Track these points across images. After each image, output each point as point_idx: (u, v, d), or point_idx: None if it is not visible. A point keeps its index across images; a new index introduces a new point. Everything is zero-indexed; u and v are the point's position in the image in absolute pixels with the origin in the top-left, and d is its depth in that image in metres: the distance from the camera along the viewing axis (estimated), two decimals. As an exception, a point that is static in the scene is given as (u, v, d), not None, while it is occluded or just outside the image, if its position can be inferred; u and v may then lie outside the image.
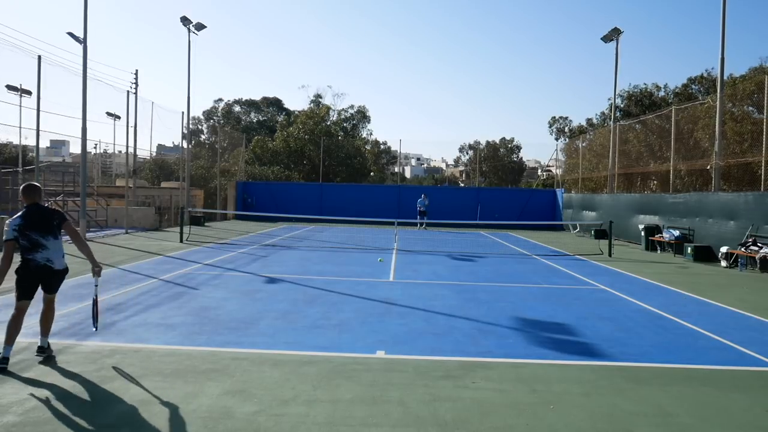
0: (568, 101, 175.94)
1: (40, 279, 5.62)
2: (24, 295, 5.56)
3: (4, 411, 4.31)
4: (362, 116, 57.22)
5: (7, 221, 5.64)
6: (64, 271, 5.77)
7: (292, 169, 48.40)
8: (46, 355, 5.68)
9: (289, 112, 63.36)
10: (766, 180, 17.31)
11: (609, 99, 52.34)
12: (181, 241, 18.47)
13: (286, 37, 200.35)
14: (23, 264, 5.54)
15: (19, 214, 5.58)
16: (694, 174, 25.08)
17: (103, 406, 4.48)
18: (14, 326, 5.48)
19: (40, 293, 5.73)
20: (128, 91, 26.17)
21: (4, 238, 5.51)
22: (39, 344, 5.75)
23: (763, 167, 17.61)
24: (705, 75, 38.17)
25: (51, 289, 5.78)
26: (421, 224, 27.25)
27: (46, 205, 5.97)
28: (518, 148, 67.61)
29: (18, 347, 5.97)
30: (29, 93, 32.23)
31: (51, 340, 6.27)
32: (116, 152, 48.68)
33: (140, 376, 5.19)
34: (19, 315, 5.52)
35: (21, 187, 5.78)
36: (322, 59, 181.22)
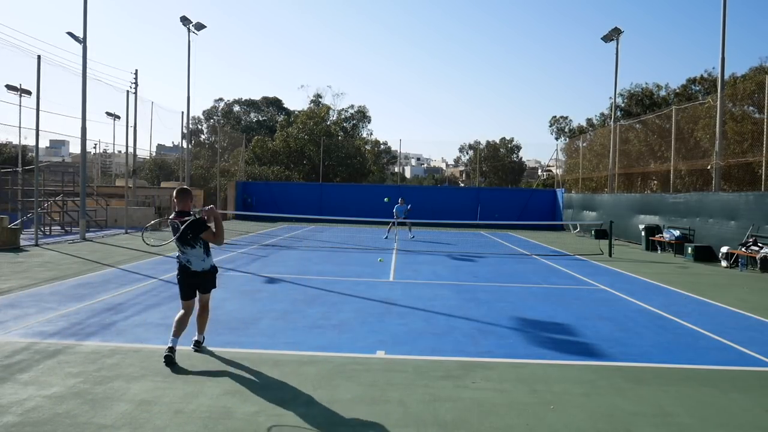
0: (568, 101, 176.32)
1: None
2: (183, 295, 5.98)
3: (4, 411, 4.31)
4: (362, 116, 57.17)
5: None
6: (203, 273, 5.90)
7: (292, 169, 48.38)
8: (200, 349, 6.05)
9: (289, 112, 63.31)
10: (766, 180, 17.30)
11: (609, 98, 52.39)
12: (181, 241, 18.44)
13: (286, 37, 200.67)
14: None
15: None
16: (694, 174, 25.07)
17: (103, 406, 4.48)
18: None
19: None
20: (128, 91, 26.15)
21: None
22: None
23: (763, 167, 17.59)
24: (705, 75, 38.18)
25: (203, 289, 6.05)
26: (408, 228, 22.90)
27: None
28: (518, 148, 67.58)
29: (17, 347, 5.99)
30: (29, 93, 32.26)
31: (50, 340, 6.29)
32: (116, 152, 48.73)
33: (140, 376, 5.19)
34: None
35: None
36: (322, 59, 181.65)
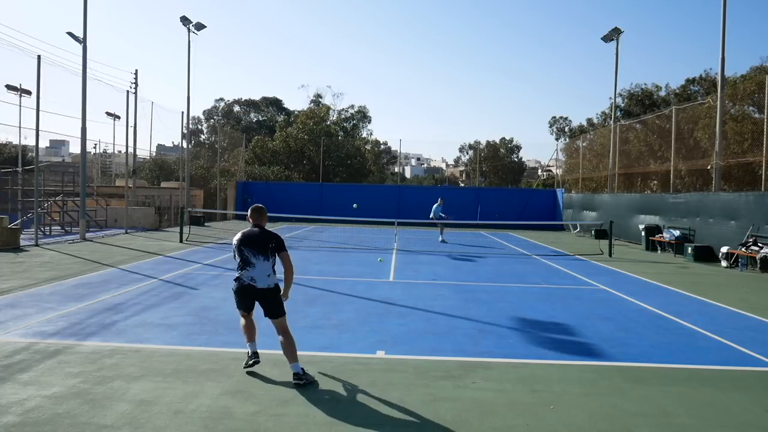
0: (568, 101, 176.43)
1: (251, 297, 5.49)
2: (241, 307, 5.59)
3: (4, 411, 4.31)
4: (362, 116, 57.21)
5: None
6: (268, 290, 5.38)
7: (292, 169, 48.39)
8: (303, 381, 5.13)
9: (289, 112, 63.36)
10: (766, 180, 17.29)
11: (609, 98, 52.42)
12: (181, 241, 18.47)
13: (286, 37, 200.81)
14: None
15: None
16: (694, 174, 25.07)
17: (103, 406, 4.48)
18: (246, 327, 5.62)
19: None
20: (128, 91, 26.15)
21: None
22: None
23: (763, 167, 17.59)
24: (703, 75, 38.21)
25: (269, 313, 5.45)
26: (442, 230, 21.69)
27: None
28: (518, 148, 67.72)
29: (17, 347, 5.99)
30: (29, 93, 32.20)
31: (50, 340, 6.29)
32: (116, 152, 48.72)
33: (140, 376, 5.19)
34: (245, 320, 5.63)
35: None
36: (322, 59, 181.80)
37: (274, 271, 5.42)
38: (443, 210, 20.95)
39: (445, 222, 21.30)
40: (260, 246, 5.37)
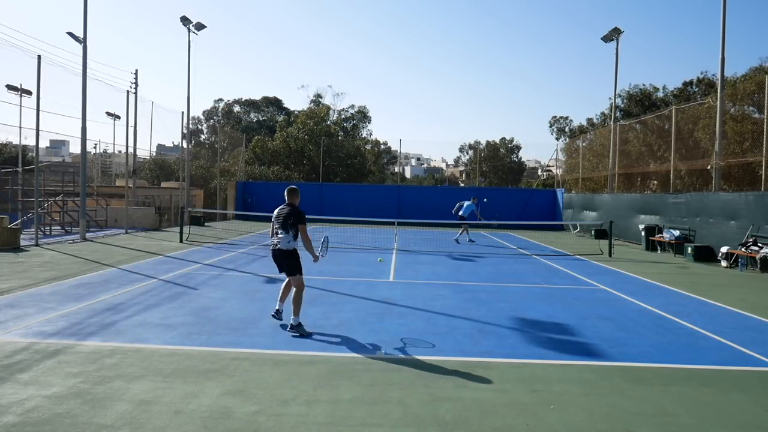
0: (568, 101, 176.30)
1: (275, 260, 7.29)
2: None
3: (4, 411, 4.31)
4: (362, 116, 57.21)
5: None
6: (287, 252, 7.06)
7: (292, 169, 48.38)
8: (297, 334, 6.85)
9: (289, 112, 63.35)
10: (766, 180, 17.30)
11: (609, 99, 52.44)
12: (181, 241, 18.47)
13: (286, 37, 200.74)
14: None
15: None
16: (694, 174, 25.07)
17: (103, 406, 4.48)
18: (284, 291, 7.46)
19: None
20: (128, 91, 26.15)
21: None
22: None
23: (763, 167, 17.59)
24: (700, 77, 38.23)
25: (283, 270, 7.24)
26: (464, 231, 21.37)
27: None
28: (518, 148, 67.76)
29: (17, 347, 6.00)
30: (29, 93, 32.22)
31: (50, 340, 6.30)
32: (116, 152, 48.72)
33: (140, 376, 5.19)
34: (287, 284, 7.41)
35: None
36: (322, 59, 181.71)
37: (295, 239, 7.07)
38: (480, 210, 20.76)
39: (470, 222, 21.07)
40: (285, 223, 7.06)
